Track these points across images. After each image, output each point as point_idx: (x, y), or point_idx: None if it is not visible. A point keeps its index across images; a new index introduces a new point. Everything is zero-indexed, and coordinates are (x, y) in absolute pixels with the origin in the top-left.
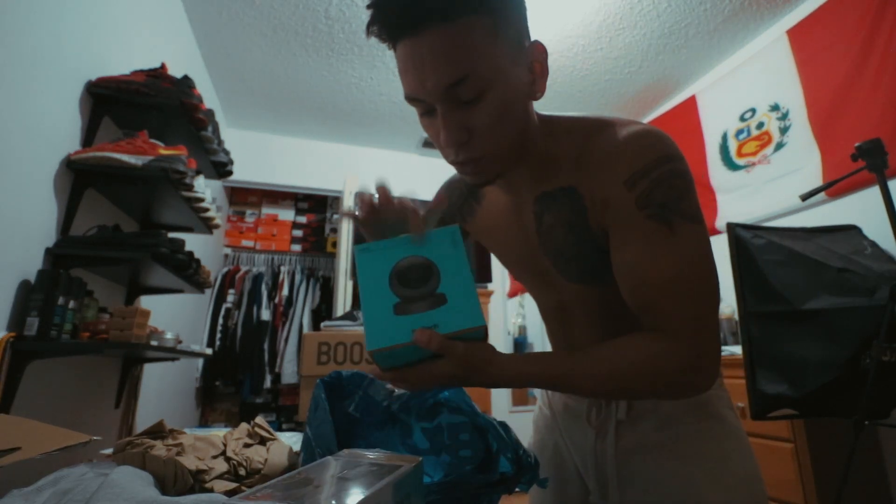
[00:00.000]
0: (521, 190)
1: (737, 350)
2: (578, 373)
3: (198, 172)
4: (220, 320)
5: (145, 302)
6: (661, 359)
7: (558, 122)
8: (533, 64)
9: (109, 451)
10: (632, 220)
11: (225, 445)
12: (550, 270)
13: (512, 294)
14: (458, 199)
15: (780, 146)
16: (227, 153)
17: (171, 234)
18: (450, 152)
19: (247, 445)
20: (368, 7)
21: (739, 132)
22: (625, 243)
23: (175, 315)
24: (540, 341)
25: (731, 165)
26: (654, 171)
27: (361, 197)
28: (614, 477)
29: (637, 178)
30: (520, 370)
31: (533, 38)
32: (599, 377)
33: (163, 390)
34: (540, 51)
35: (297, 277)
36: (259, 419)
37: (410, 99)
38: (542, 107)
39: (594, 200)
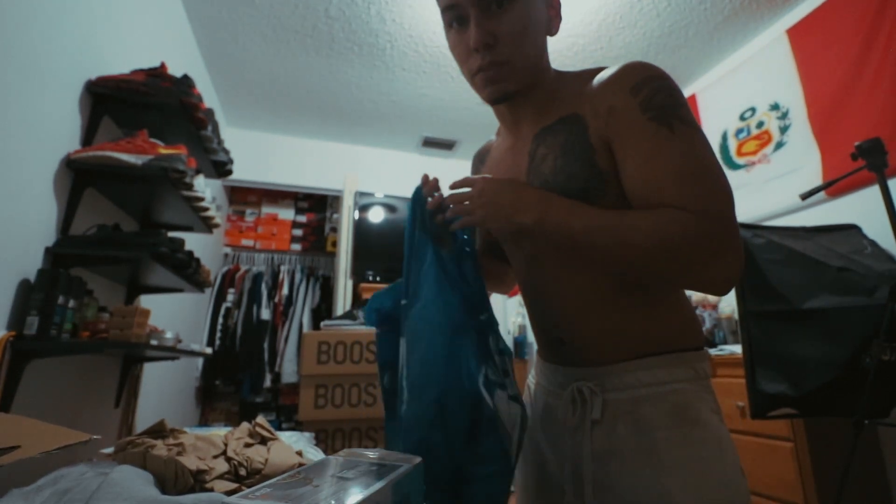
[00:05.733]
0: (523, 129)
1: (737, 349)
2: (596, 218)
3: (198, 172)
4: (220, 319)
5: (145, 301)
6: (679, 224)
7: (570, 73)
8: (553, 2)
9: (109, 450)
10: (636, 121)
11: (226, 445)
12: None
13: (512, 294)
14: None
15: (780, 145)
16: (226, 152)
17: (171, 234)
18: (476, 57)
19: (247, 445)
20: None
21: (739, 131)
22: (629, 145)
23: (175, 314)
24: None
25: (731, 165)
26: (654, 82)
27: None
28: (590, 481)
29: (640, 87)
30: (549, 197)
31: None
32: (619, 228)
33: (163, 390)
34: None
35: (297, 277)
36: (260, 419)
37: (446, 8)
38: None
39: (597, 113)
